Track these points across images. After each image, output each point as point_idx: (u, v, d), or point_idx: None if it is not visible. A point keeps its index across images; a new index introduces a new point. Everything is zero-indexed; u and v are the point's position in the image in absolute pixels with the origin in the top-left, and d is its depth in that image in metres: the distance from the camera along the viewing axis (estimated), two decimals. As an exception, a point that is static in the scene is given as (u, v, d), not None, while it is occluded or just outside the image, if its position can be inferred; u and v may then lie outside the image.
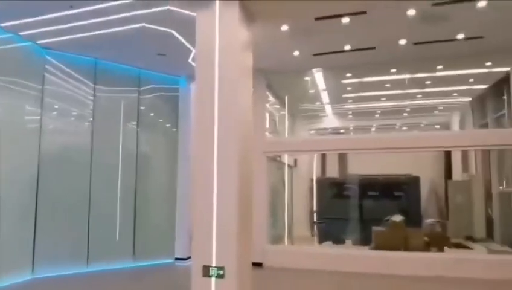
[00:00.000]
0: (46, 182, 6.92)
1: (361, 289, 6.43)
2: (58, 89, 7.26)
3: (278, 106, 10.43)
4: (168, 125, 8.99)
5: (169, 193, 8.41)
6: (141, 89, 8.27)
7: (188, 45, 6.84)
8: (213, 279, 4.66)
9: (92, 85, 7.54)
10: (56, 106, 7.30)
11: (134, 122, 8.24)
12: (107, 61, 7.61)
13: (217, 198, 4.86)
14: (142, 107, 8.33)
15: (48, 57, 7.11)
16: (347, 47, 7.02)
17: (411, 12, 5.65)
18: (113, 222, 7.64)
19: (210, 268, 4.68)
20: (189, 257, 8.20)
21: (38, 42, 6.80)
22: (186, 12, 5.54)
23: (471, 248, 8.15)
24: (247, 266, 5.26)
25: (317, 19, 5.86)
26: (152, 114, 8.68)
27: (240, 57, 5.12)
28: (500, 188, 8.85)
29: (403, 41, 6.76)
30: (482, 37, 6.55)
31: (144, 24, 5.98)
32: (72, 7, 5.53)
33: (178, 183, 8.38)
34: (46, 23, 6.05)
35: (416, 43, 6.81)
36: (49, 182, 6.95)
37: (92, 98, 7.56)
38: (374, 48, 7.03)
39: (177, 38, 6.50)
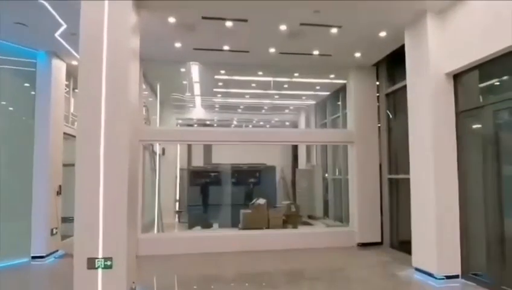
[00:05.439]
0: None
1: (224, 263, 7.19)
2: None
3: (148, 93, 10.28)
4: (21, 106, 7.76)
5: (23, 183, 7.34)
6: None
7: (60, 19, 6.15)
8: (99, 270, 4.58)
9: None
10: None
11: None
12: None
13: (104, 188, 4.72)
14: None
15: None
16: (226, 47, 7.62)
17: (283, 27, 6.65)
18: None
19: (96, 260, 4.57)
20: (50, 254, 7.42)
21: None
22: (68, -14, 5.06)
23: (313, 224, 10.09)
24: (133, 255, 5.31)
25: (204, 18, 6.24)
26: (2, 90, 7.35)
27: (129, 40, 5.06)
28: (328, 175, 11.15)
29: (272, 50, 7.80)
30: (330, 55, 8.19)
31: (7, -12, 5.14)
32: None
33: (34, 172, 7.38)
34: None
35: (282, 53, 7.95)
36: None
37: None
38: (248, 51, 7.87)
39: (48, 10, 5.78)
